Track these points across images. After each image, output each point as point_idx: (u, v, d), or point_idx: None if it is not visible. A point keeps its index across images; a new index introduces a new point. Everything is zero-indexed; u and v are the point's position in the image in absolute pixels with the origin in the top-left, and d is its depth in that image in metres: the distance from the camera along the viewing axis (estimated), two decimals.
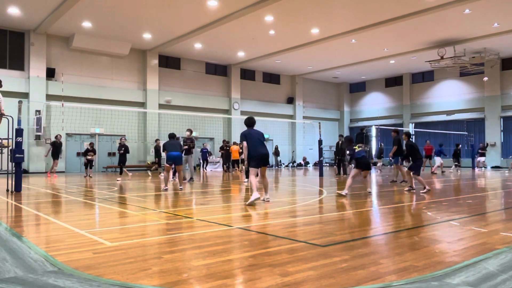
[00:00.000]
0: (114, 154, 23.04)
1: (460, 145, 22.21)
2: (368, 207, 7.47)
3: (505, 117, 26.41)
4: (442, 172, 19.82)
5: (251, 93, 28.98)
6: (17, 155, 9.82)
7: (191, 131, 14.92)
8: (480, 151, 22.46)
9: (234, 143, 22.65)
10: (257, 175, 7.95)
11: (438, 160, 19.62)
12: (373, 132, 28.19)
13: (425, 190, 9.71)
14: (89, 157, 17.06)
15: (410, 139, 10.77)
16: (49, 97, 20.36)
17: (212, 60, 26.71)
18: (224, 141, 23.47)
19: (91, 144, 17.52)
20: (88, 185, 12.80)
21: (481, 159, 22.17)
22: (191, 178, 14.08)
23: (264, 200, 7.94)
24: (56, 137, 17.42)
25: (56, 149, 17.13)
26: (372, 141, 29.99)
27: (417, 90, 30.76)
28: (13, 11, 17.72)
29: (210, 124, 26.60)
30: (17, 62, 20.52)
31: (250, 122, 8.22)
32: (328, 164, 29.17)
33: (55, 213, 7.04)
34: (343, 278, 3.04)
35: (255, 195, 7.38)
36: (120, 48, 22.22)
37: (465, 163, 25.60)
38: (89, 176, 16.87)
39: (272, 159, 25.35)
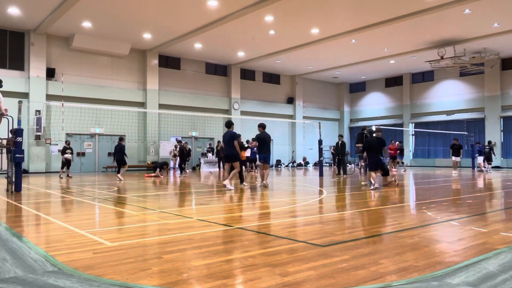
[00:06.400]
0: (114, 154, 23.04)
1: (493, 143, 23.06)
2: (368, 207, 7.47)
3: (505, 117, 26.40)
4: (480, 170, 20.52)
5: (251, 93, 28.98)
6: (17, 155, 9.82)
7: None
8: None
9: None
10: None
11: (480, 159, 20.69)
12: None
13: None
14: (67, 156, 16.50)
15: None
16: (49, 97, 20.35)
17: (212, 60, 26.71)
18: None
19: (68, 142, 17.15)
20: (67, 186, 12.79)
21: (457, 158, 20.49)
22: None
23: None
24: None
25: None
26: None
27: (417, 90, 30.75)
28: (13, 11, 17.72)
29: (210, 124, 26.61)
30: (17, 62, 20.51)
31: (227, 125, 10.97)
32: (328, 164, 29.17)
33: (55, 213, 7.04)
34: (343, 278, 3.04)
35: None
36: (120, 48, 22.21)
37: (465, 163, 25.57)
38: (68, 176, 16.50)
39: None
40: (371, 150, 11.14)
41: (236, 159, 10.75)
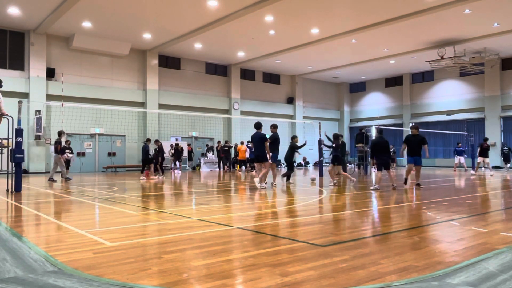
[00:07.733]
0: (114, 154, 23.07)
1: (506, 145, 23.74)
2: (368, 207, 7.47)
3: (505, 117, 26.41)
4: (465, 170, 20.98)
5: (251, 93, 28.98)
6: (17, 155, 9.82)
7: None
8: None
9: (242, 143, 22.73)
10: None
11: (457, 159, 21.14)
12: (373, 132, 28.21)
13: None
14: (69, 156, 16.00)
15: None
16: (49, 97, 20.35)
17: (212, 60, 26.71)
18: (226, 141, 23.65)
19: (68, 142, 16.79)
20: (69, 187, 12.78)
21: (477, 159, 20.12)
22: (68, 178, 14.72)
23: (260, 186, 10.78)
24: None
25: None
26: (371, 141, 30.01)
27: (417, 90, 30.75)
28: (13, 11, 17.72)
29: (210, 124, 26.62)
30: (17, 62, 20.52)
31: (257, 126, 11.29)
32: (328, 164, 29.15)
33: (55, 213, 7.04)
34: (343, 278, 3.04)
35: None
36: (120, 48, 22.21)
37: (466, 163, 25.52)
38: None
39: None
40: (378, 151, 11.08)
41: (266, 159, 11.25)
